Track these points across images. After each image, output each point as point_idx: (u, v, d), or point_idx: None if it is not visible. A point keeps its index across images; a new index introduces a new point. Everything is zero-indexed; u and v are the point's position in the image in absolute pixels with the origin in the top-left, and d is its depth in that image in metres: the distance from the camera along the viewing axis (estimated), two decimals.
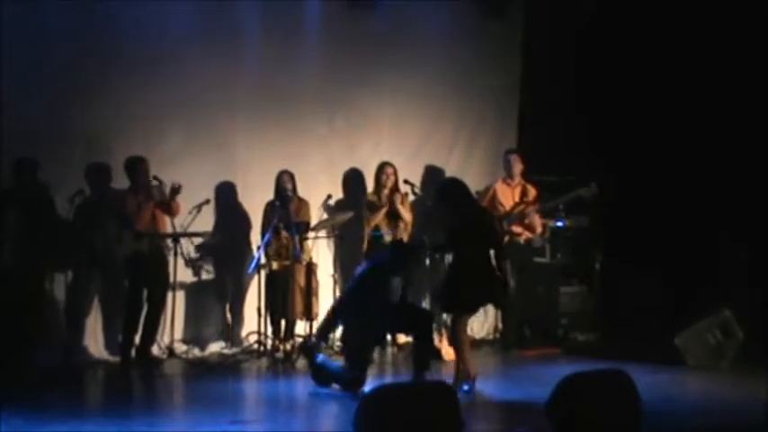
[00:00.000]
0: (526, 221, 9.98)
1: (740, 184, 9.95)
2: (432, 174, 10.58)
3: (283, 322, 9.40)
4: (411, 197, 10.10)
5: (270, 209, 9.43)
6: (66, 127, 8.99)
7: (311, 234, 9.45)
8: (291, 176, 9.45)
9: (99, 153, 9.16)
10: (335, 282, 9.65)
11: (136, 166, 8.95)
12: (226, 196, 9.70)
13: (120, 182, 9.11)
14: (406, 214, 9.87)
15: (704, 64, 9.97)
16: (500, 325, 10.60)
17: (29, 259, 8.60)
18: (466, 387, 7.70)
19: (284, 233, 9.27)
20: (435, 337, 9.54)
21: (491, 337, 10.72)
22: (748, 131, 9.90)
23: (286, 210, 9.26)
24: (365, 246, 9.90)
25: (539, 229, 10.08)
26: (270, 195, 9.50)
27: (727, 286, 9.73)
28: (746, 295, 9.59)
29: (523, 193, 10.10)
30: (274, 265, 9.31)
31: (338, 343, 8.98)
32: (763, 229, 9.80)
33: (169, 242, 9.03)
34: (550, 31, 10.73)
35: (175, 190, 8.84)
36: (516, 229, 10.03)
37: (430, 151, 10.68)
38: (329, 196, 9.89)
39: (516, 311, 10.06)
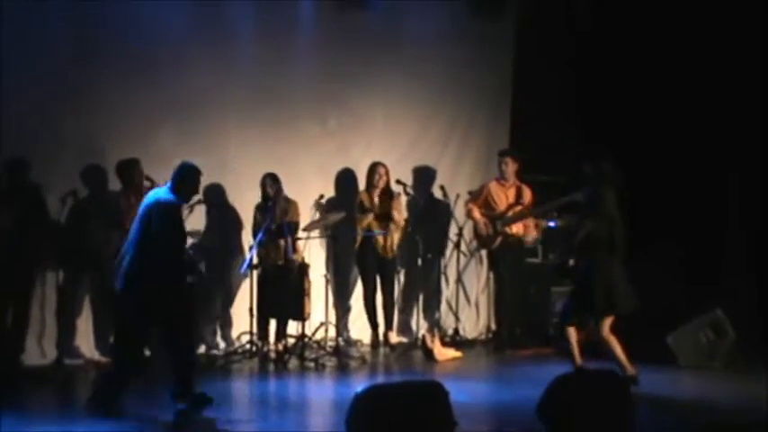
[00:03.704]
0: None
1: (740, 186, 9.98)
2: (424, 174, 10.59)
3: (275, 322, 9.40)
4: (403, 197, 10.13)
5: (259, 211, 9.42)
6: (59, 127, 8.99)
7: (303, 234, 9.45)
8: (274, 178, 9.41)
9: (91, 153, 9.15)
10: (328, 282, 9.63)
11: (129, 169, 8.91)
12: (217, 197, 9.68)
13: (115, 183, 9.08)
14: (399, 216, 9.90)
15: (700, 63, 9.97)
16: (492, 325, 10.63)
17: (20, 259, 8.57)
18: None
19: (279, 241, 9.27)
20: (427, 336, 9.56)
21: (483, 337, 10.76)
22: (746, 132, 9.91)
23: (273, 211, 9.22)
24: (357, 246, 9.93)
25: (533, 233, 10.08)
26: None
27: (721, 286, 9.74)
28: (739, 295, 9.62)
29: (518, 195, 10.10)
30: (266, 266, 9.30)
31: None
32: (763, 229, 9.83)
33: None
34: (542, 30, 10.73)
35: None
36: (510, 229, 10.04)
37: (422, 151, 10.68)
38: (321, 196, 9.88)
39: (509, 312, 10.08)
